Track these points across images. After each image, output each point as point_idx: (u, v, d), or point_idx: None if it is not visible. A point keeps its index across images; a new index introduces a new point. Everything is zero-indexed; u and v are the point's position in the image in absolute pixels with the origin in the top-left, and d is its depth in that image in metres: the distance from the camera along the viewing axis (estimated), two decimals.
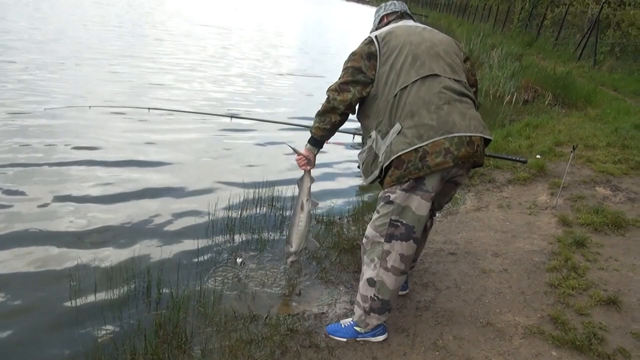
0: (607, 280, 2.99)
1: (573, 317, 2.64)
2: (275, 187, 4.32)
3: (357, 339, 2.46)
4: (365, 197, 4.76)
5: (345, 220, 4.06)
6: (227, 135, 6.01)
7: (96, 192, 4.03)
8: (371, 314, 2.37)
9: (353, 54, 2.34)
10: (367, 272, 2.33)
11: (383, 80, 2.26)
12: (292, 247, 2.77)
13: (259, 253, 3.41)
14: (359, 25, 31.17)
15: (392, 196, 2.21)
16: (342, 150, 5.91)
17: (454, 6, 44.56)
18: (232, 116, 4.37)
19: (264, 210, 4.10)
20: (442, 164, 2.11)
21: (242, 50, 13.20)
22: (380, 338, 2.48)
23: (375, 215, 2.31)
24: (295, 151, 2.64)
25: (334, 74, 2.57)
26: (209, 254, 3.35)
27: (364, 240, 2.37)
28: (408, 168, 2.13)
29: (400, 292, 2.87)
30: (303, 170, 2.68)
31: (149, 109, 4.55)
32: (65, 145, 4.92)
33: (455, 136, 2.11)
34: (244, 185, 4.44)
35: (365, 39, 2.37)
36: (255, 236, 3.60)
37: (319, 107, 2.40)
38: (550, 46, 17.86)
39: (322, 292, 2.97)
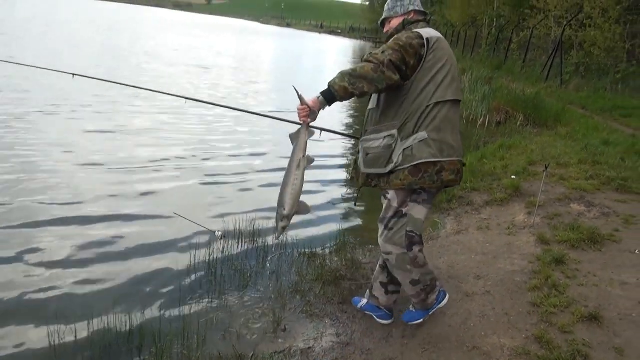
0: (588, 296, 3.03)
1: (557, 335, 2.66)
2: (256, 222, 4.31)
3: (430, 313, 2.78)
4: (347, 226, 4.78)
5: (328, 251, 4.06)
6: (203, 167, 6.01)
7: (73, 238, 3.97)
8: (429, 295, 2.67)
9: (405, 45, 2.31)
10: (407, 278, 2.59)
11: (420, 86, 2.35)
12: (284, 209, 2.47)
13: (242, 290, 3.38)
14: (333, 58, 31.80)
15: (405, 209, 2.45)
16: (323, 176, 5.98)
17: None
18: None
19: (246, 246, 4.08)
20: (452, 182, 2.42)
21: (221, 88, 13.26)
22: (444, 301, 2.79)
23: (386, 232, 2.52)
24: (300, 98, 2.36)
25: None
26: (191, 295, 3.30)
27: (388, 256, 2.56)
28: (424, 178, 2.34)
29: (385, 321, 2.88)
30: (301, 123, 2.45)
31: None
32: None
33: (461, 160, 2.47)
34: (224, 223, 4.42)
35: (416, 34, 2.36)
36: (238, 273, 3.58)
37: (354, 67, 2.29)
38: (519, 68, 18.41)
39: (308, 327, 2.95)
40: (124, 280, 3.44)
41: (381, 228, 2.57)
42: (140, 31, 33.17)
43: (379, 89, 2.31)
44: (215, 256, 3.78)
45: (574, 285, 3.19)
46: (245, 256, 3.89)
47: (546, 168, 4.31)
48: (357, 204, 5.12)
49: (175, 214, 4.30)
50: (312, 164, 2.52)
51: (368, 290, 2.99)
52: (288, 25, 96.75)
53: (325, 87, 2.34)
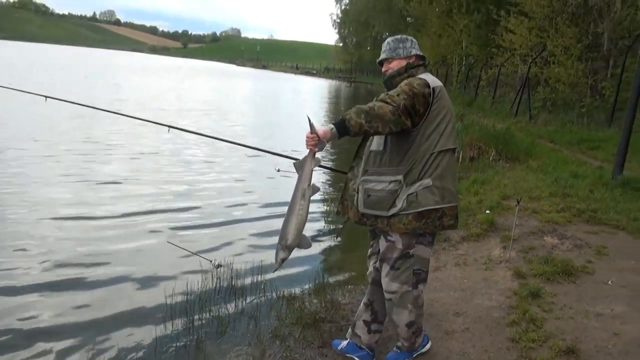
0: (564, 330, 3.07)
1: None
2: (234, 266, 4.28)
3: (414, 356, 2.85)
4: (325, 264, 4.77)
5: (307, 293, 4.03)
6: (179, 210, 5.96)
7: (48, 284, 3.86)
8: (417, 338, 2.77)
9: (418, 92, 2.37)
10: (404, 318, 2.62)
11: (425, 134, 2.42)
12: (287, 240, 2.39)
13: (220, 337, 3.32)
14: (310, 97, 32.30)
15: (412, 251, 2.51)
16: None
17: None
18: None
19: (224, 290, 4.02)
20: (451, 226, 2.51)
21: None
22: (428, 345, 2.93)
23: (392, 272, 2.55)
24: (311, 126, 2.29)
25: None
26: (167, 344, 3.22)
27: (391, 295, 2.58)
28: (427, 223, 2.43)
29: None
30: (308, 151, 2.37)
31: None
32: None
33: (457, 204, 2.56)
34: (201, 270, 4.36)
35: (424, 82, 2.43)
36: (215, 319, 3.52)
37: (371, 104, 2.31)
38: (489, 105, 18.99)
39: None
40: (99, 330, 3.35)
41: (386, 267, 2.58)
42: (117, 75, 33.31)
43: (391, 132, 2.34)
44: (192, 302, 3.72)
45: (550, 318, 3.22)
46: (223, 301, 3.84)
47: (518, 202, 4.40)
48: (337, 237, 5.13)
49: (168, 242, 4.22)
50: (317, 192, 2.47)
51: (350, 329, 2.96)
52: (264, 67, 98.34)
53: (336, 119, 2.33)
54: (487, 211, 5.54)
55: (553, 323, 3.16)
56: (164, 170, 8.11)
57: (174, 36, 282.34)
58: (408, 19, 41.42)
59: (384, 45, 2.68)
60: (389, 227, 2.46)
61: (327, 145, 2.37)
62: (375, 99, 2.41)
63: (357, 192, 2.55)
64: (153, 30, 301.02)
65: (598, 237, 4.67)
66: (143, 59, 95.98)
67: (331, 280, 4.33)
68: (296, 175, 2.42)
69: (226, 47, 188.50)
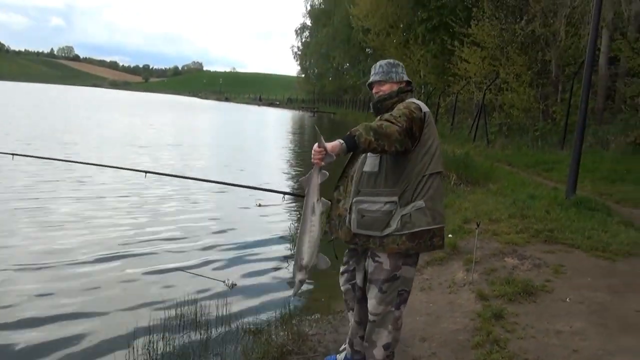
0: (527, 349, 3.13)
1: None
2: (199, 304, 4.20)
3: None
4: (292, 302, 4.73)
5: (273, 325, 3.97)
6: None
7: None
8: None
9: (416, 117, 2.43)
10: (383, 339, 2.64)
11: (418, 157, 2.50)
12: (303, 260, 2.33)
13: None
14: (275, 128, 32.44)
15: (398, 273, 2.55)
16: (267, 252, 5.95)
17: (359, 102, 47.96)
18: None
19: (188, 327, 3.93)
20: (440, 247, 2.60)
21: (164, 168, 13.08)
22: None
23: (380, 295, 2.57)
24: (320, 139, 2.23)
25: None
26: None
27: (374, 317, 2.62)
28: (420, 244, 2.50)
29: None
30: (314, 166, 2.32)
31: None
32: None
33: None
34: (164, 307, 4.25)
35: (418, 107, 2.51)
36: (179, 358, 3.42)
37: (378, 123, 2.33)
38: (448, 131, 19.53)
39: None
40: None
41: (374, 290, 2.61)
42: (75, 111, 32.69)
43: (396, 151, 2.37)
44: (154, 340, 3.61)
45: (513, 338, 3.28)
46: (188, 337, 3.75)
47: (478, 225, 4.52)
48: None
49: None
50: (327, 207, 2.47)
51: (347, 347, 2.97)
52: (227, 100, 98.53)
53: (345, 135, 2.31)
54: (450, 235, 5.64)
55: (516, 343, 3.22)
56: (125, 210, 7.93)
57: (134, 70, 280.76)
58: (367, 50, 42.47)
59: (376, 68, 2.73)
60: (382, 247, 2.50)
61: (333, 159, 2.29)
62: (379, 118, 2.46)
63: (350, 212, 2.58)
64: (113, 65, 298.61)
65: (555, 256, 4.82)
66: (104, 93, 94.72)
67: (298, 310, 4.29)
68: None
69: (189, 81, 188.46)
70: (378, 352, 2.67)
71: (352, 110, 48.97)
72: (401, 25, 27.53)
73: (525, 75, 16.35)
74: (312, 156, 2.27)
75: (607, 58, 14.34)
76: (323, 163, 2.29)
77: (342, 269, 2.91)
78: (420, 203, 2.48)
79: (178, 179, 6.01)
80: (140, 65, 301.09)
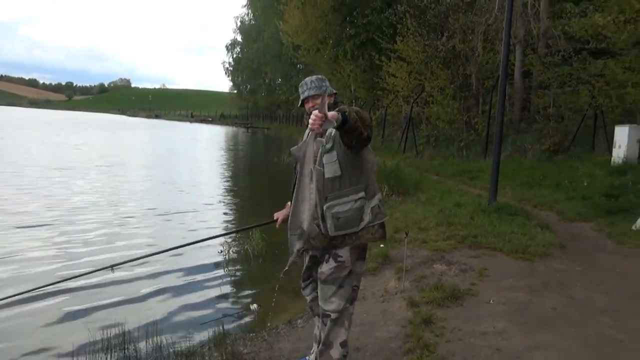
0: (455, 352, 3.25)
1: None
2: (127, 329, 4.02)
3: None
4: (224, 313, 4.66)
5: (207, 348, 3.88)
6: None
7: None
8: None
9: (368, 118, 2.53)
10: (341, 336, 2.77)
11: (369, 156, 2.72)
12: (304, 227, 2.30)
13: None
14: (207, 147, 31.90)
15: (353, 268, 2.72)
16: (196, 273, 5.81)
17: (292, 117, 48.29)
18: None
19: (115, 355, 3.75)
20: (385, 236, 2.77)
21: (91, 193, 12.38)
22: None
23: (338, 291, 2.71)
24: (323, 104, 2.20)
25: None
26: None
27: (335, 315, 2.73)
28: (385, 231, 2.74)
29: None
30: (311, 132, 2.28)
31: None
32: None
33: None
34: (90, 333, 4.04)
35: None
36: None
37: (356, 109, 2.44)
38: (379, 143, 20.07)
39: None
40: None
41: (332, 288, 2.73)
42: None
43: (368, 138, 2.50)
44: None
45: (442, 342, 3.41)
46: None
47: (406, 235, 4.67)
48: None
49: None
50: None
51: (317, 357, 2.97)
52: (157, 117, 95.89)
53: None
54: (381, 245, 5.78)
55: (445, 346, 3.34)
56: (53, 241, 7.49)
57: (57, 88, 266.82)
58: (299, 65, 42.92)
59: (308, 84, 2.83)
60: (358, 239, 2.67)
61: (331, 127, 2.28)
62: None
63: (324, 220, 2.66)
64: (32, 83, 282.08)
65: (480, 260, 5.07)
66: (22, 113, 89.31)
67: (231, 329, 4.22)
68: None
69: (116, 98, 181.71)
70: (335, 351, 2.77)
71: (285, 125, 49.22)
72: (330, 42, 28.08)
73: (448, 89, 17.17)
74: (310, 123, 2.24)
75: (521, 72, 15.37)
76: (322, 130, 2.27)
77: (303, 284, 3.05)
78: (379, 196, 2.74)
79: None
80: (63, 83, 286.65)
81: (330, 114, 2.26)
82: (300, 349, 3.66)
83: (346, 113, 2.34)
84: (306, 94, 2.83)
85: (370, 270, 5.19)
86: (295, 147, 2.35)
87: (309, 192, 2.30)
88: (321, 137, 2.39)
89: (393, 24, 19.90)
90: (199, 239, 4.38)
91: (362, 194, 2.65)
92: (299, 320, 4.32)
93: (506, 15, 7.39)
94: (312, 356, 3.17)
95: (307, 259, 2.97)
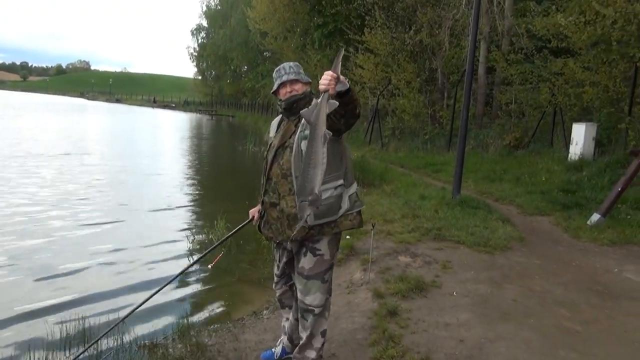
0: (419, 343, 3.30)
1: None
2: (87, 320, 3.90)
3: None
4: (187, 306, 4.59)
5: (170, 340, 3.81)
6: None
7: None
8: (322, 354, 2.90)
9: None
10: (322, 326, 2.83)
11: (345, 144, 2.72)
12: (315, 192, 2.16)
13: None
14: (171, 133, 31.27)
15: (333, 260, 2.78)
16: (160, 263, 5.70)
17: (258, 105, 47.79)
18: None
19: (75, 345, 3.64)
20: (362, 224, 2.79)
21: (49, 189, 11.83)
22: None
23: (322, 286, 2.74)
24: (337, 64, 2.18)
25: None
26: None
27: (318, 309, 2.76)
28: (362, 219, 2.77)
29: None
30: (323, 93, 2.18)
31: None
32: None
33: None
34: (47, 325, 3.90)
35: None
36: None
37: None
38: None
39: None
40: None
41: (315, 283, 2.72)
42: None
43: (356, 115, 2.46)
44: None
45: (407, 334, 3.45)
46: (75, 354, 3.46)
47: (373, 226, 4.69)
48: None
49: None
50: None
51: (287, 342, 3.12)
52: (118, 101, 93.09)
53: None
54: (347, 237, 5.81)
55: (409, 338, 3.39)
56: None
57: (11, 68, 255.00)
58: (265, 53, 42.46)
59: (286, 69, 2.76)
60: (337, 227, 2.65)
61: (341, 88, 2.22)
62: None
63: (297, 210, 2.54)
64: None
65: (443, 252, 5.16)
66: None
67: (195, 320, 4.17)
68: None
69: (74, 80, 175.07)
70: (317, 341, 2.83)
71: (251, 113, 48.65)
72: (298, 30, 27.88)
73: (414, 82, 17.34)
74: (321, 83, 2.16)
75: (485, 68, 15.67)
76: (334, 91, 2.21)
77: (277, 278, 3.01)
78: (355, 184, 2.74)
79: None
80: (18, 63, 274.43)
81: (341, 77, 2.23)
82: (265, 340, 3.64)
83: (348, 82, 2.29)
84: (284, 78, 2.74)
85: (337, 262, 5.20)
86: (305, 109, 2.20)
87: (321, 156, 2.15)
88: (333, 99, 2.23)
89: (361, 15, 19.90)
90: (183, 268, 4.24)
91: (341, 181, 2.63)
92: (265, 312, 4.30)
93: (474, 11, 7.49)
94: (279, 348, 3.18)
95: (279, 253, 2.93)
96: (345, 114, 2.39)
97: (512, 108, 15.16)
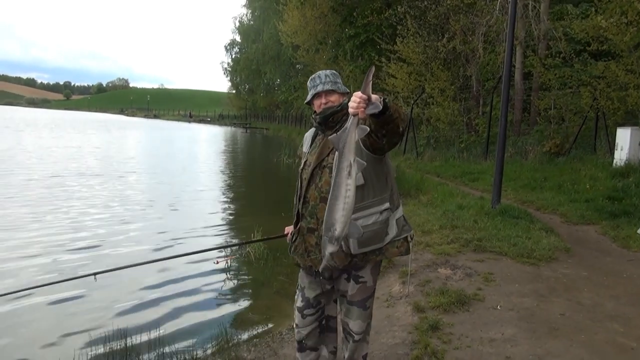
0: (463, 359, 3.19)
1: None
2: (129, 336, 3.95)
3: None
4: (227, 319, 4.60)
5: (210, 354, 3.83)
6: None
7: None
8: None
9: None
10: (364, 350, 2.65)
11: (389, 163, 2.49)
12: (336, 229, 1.95)
13: None
14: (205, 147, 31.77)
15: (375, 287, 2.58)
16: (198, 277, 5.74)
17: (291, 117, 48.18)
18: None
19: None
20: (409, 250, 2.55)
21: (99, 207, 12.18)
22: None
23: (363, 313, 2.54)
24: (366, 84, 1.93)
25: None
26: None
27: (359, 336, 2.57)
28: (410, 246, 2.52)
29: None
30: (352, 116, 1.95)
31: None
32: None
33: None
34: (91, 342, 3.98)
35: None
36: None
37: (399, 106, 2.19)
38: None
39: None
40: None
41: (357, 310, 2.54)
42: None
43: (399, 134, 2.20)
44: None
45: (450, 349, 3.35)
46: None
47: (411, 238, 4.59)
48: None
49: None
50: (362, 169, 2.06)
51: None
52: (155, 117, 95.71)
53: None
54: None
55: (452, 354, 3.28)
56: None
57: (54, 88, 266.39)
58: (298, 66, 42.85)
59: (322, 78, 2.51)
60: (382, 255, 2.45)
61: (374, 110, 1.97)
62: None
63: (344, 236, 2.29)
64: (30, 83, 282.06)
65: (485, 264, 5.01)
66: (20, 112, 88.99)
67: (234, 333, 4.16)
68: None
69: (114, 98, 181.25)
70: None
71: (285, 125, 49.09)
72: (330, 42, 28.02)
73: (449, 90, 17.13)
74: (351, 106, 1.94)
75: (522, 74, 15.32)
76: (364, 115, 1.97)
77: (301, 314, 2.63)
78: (401, 207, 2.53)
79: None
80: (61, 82, 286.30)
81: (374, 96, 1.96)
82: None
83: (387, 100, 2.03)
84: (319, 88, 2.48)
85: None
86: (334, 134, 1.97)
87: (345, 188, 1.93)
88: (364, 123, 2.03)
89: (393, 25, 19.83)
90: (202, 249, 4.28)
91: (387, 204, 2.38)
92: None
93: (510, 16, 7.34)
94: None
95: (312, 282, 2.62)
96: (386, 133, 2.16)
97: (551, 113, 14.74)
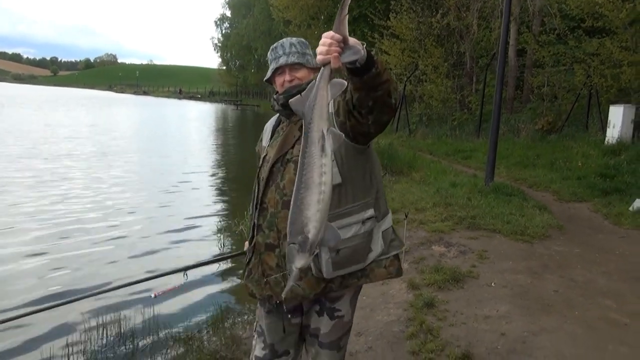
0: (458, 336, 3.21)
1: None
2: (122, 314, 3.93)
3: None
4: (222, 297, 4.59)
5: (205, 331, 3.82)
6: None
7: None
8: None
9: None
10: None
11: (374, 155, 1.85)
12: (309, 232, 1.32)
13: None
14: (196, 124, 31.49)
15: (352, 321, 1.94)
16: (191, 248, 5.71)
17: None
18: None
19: (112, 339, 3.67)
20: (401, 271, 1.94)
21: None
22: None
23: (337, 355, 1.93)
24: (341, 20, 1.32)
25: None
26: None
27: None
28: (399, 266, 1.88)
29: None
30: (322, 68, 1.35)
31: None
32: None
33: None
34: (84, 319, 3.95)
35: None
36: None
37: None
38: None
39: None
40: None
41: (331, 352, 1.92)
42: None
43: (392, 108, 1.57)
44: (74, 357, 3.34)
45: (445, 326, 3.36)
46: (112, 353, 3.50)
47: (406, 216, 4.59)
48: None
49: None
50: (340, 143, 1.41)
51: None
52: (145, 93, 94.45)
53: None
54: None
55: (448, 331, 3.30)
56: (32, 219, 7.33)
57: (41, 63, 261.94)
58: None
59: (285, 47, 1.87)
60: (366, 278, 1.82)
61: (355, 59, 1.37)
62: None
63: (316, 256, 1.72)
64: (16, 58, 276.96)
65: (479, 241, 5.02)
66: (6, 88, 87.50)
67: (230, 312, 4.16)
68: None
69: (102, 74, 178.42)
70: None
71: None
72: (322, 17, 27.64)
73: (442, 67, 17.01)
74: (319, 51, 1.35)
75: (515, 50, 15.23)
76: (338, 63, 1.35)
77: (261, 352, 1.97)
78: (390, 215, 1.89)
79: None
80: (48, 58, 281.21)
81: (352, 39, 1.36)
82: None
83: (370, 51, 1.43)
84: (282, 61, 1.84)
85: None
86: (296, 97, 1.37)
87: (319, 171, 1.31)
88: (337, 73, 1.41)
89: (386, 0, 19.56)
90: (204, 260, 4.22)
91: (370, 211, 1.76)
92: None
93: None
94: None
95: (273, 322, 1.93)
96: (374, 104, 1.52)
97: (544, 91, 14.72)
